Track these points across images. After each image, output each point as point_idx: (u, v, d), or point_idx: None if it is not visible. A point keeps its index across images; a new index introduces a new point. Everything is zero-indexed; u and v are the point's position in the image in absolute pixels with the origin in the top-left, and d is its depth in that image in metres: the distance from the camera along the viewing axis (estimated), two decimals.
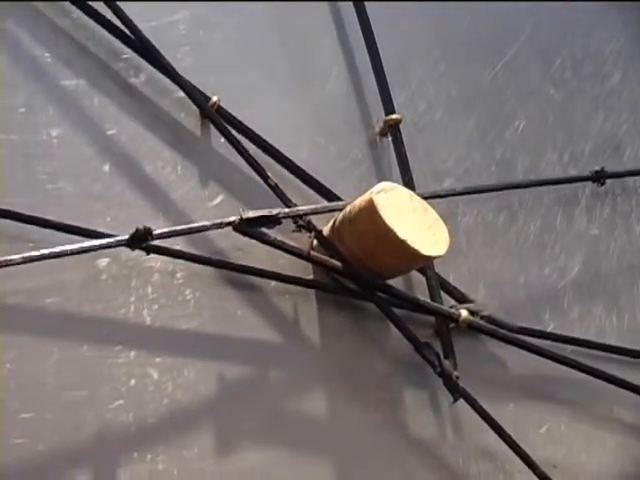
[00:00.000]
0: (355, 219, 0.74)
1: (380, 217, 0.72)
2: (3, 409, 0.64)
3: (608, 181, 0.96)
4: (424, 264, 0.78)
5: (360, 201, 0.74)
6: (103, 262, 0.68)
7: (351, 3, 0.86)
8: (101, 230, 0.69)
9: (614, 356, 0.89)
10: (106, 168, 0.73)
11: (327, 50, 0.87)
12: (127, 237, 0.64)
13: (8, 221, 0.67)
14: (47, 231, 0.67)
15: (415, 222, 0.72)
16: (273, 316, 0.76)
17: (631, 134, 1.00)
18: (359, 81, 0.87)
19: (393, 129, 0.83)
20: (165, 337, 0.71)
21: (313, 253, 0.74)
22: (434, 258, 0.74)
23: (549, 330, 0.87)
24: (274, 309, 0.76)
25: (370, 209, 0.72)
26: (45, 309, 0.66)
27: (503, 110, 0.93)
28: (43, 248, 0.65)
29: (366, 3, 0.86)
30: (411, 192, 0.75)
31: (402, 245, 0.71)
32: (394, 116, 0.83)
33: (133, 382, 0.68)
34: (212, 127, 0.77)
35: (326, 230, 0.77)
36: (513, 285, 0.88)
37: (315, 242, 0.78)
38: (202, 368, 0.72)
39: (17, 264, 0.60)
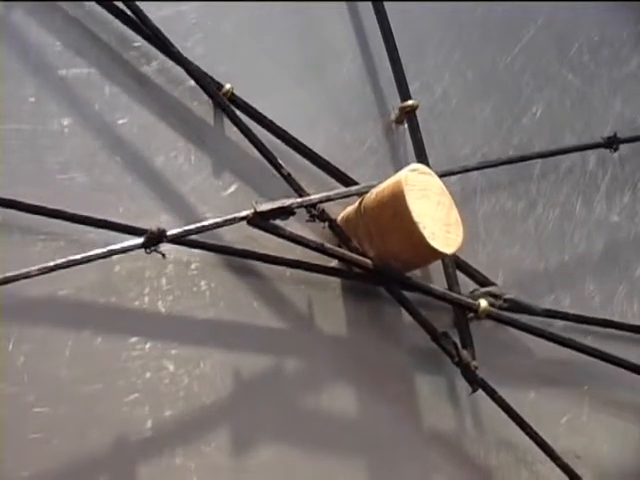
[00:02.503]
0: (383, 191, 0.74)
1: (402, 193, 0.72)
2: (17, 403, 0.64)
3: (628, 168, 0.95)
4: (427, 261, 0.77)
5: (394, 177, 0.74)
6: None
7: None
8: (113, 220, 0.69)
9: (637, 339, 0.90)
10: (118, 158, 0.73)
11: (341, 37, 0.87)
12: (141, 241, 0.64)
13: (19, 212, 0.66)
14: (58, 222, 0.66)
15: (435, 215, 0.72)
16: (289, 306, 0.75)
17: None
18: (374, 68, 0.86)
19: (409, 116, 0.83)
20: (180, 329, 0.71)
21: (328, 246, 0.73)
22: (438, 253, 0.73)
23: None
24: (290, 299, 0.76)
25: (398, 183, 0.72)
26: (58, 301, 0.66)
27: (520, 96, 0.93)
28: (53, 240, 0.66)
29: None
30: (444, 187, 0.74)
31: (412, 227, 0.71)
32: (410, 102, 0.82)
33: (148, 375, 0.68)
34: (225, 116, 0.77)
35: (351, 209, 0.77)
36: (533, 272, 0.88)
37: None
38: (219, 360, 0.71)
39: (34, 276, 0.61)
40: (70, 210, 0.67)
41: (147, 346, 0.69)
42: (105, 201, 0.71)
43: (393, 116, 0.84)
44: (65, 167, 0.70)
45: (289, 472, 0.72)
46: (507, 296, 0.81)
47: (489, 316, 0.77)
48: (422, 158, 0.81)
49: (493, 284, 0.83)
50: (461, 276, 0.82)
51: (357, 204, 0.76)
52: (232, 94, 0.75)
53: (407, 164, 0.79)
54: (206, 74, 0.75)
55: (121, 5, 0.74)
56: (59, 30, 0.73)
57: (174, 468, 0.68)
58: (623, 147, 0.94)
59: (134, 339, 0.69)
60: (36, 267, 0.60)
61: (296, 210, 0.68)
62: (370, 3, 0.85)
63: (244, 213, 0.67)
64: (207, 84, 0.74)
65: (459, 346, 0.77)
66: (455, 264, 0.81)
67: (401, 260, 0.74)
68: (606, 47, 1.00)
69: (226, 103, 0.75)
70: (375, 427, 0.76)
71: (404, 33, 0.85)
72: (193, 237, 0.70)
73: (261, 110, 0.77)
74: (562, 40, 0.99)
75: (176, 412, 0.68)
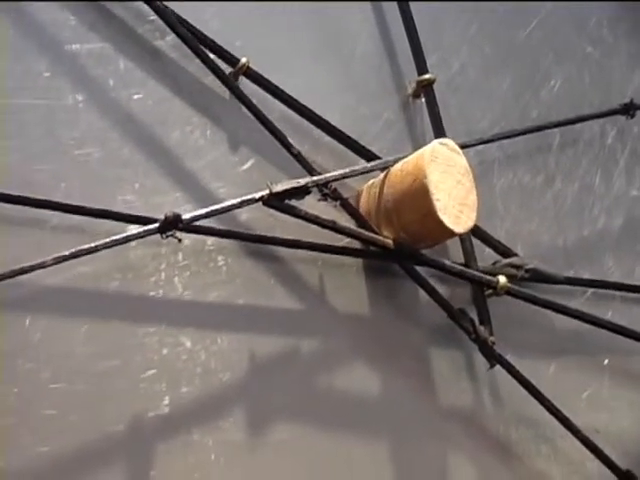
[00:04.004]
0: (409, 162, 0.73)
1: (425, 160, 0.71)
2: (33, 380, 0.65)
3: None
4: (434, 236, 0.75)
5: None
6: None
7: None
8: (129, 197, 0.70)
9: None
10: (133, 133, 0.73)
11: (358, 11, 0.86)
12: (157, 226, 0.64)
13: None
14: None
15: (453, 192, 0.71)
16: (305, 284, 0.76)
17: None
18: (391, 42, 0.86)
19: (426, 90, 0.83)
20: (197, 305, 0.71)
21: (342, 225, 0.73)
22: (445, 229, 0.71)
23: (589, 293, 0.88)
24: (306, 277, 0.76)
25: (424, 151, 0.72)
26: (75, 278, 0.66)
27: (538, 70, 0.93)
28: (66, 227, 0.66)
29: None
30: (469, 169, 0.73)
31: (426, 197, 0.70)
32: (427, 76, 0.82)
33: (165, 351, 0.69)
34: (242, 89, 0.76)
35: (373, 182, 0.78)
36: (552, 247, 0.88)
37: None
38: (236, 336, 0.72)
39: (49, 266, 0.61)
40: (85, 185, 0.69)
41: (164, 322, 0.69)
42: (121, 176, 0.71)
43: (410, 90, 0.84)
44: (80, 142, 0.70)
45: (306, 448, 0.73)
46: (529, 266, 0.82)
47: (508, 292, 0.76)
48: (440, 132, 0.81)
49: (515, 255, 0.83)
50: (483, 247, 0.83)
51: (382, 176, 0.76)
52: (248, 67, 0.75)
53: (424, 139, 0.81)
54: (222, 48, 0.75)
55: None
56: (73, 5, 0.73)
57: (191, 444, 0.68)
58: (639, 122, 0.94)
59: (151, 315, 0.69)
60: (51, 257, 0.60)
61: (311, 189, 0.68)
62: None
63: (259, 194, 0.67)
64: (215, 64, 0.75)
65: (476, 323, 0.77)
66: (477, 236, 0.82)
67: (410, 232, 0.74)
68: (625, 20, 0.99)
69: (233, 82, 0.75)
70: (392, 404, 0.76)
71: (421, 7, 0.85)
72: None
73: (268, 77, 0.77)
74: (580, 13, 0.98)
75: (193, 388, 0.69)
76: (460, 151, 0.73)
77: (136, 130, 0.73)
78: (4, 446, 0.63)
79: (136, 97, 0.73)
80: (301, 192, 0.67)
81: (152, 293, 0.69)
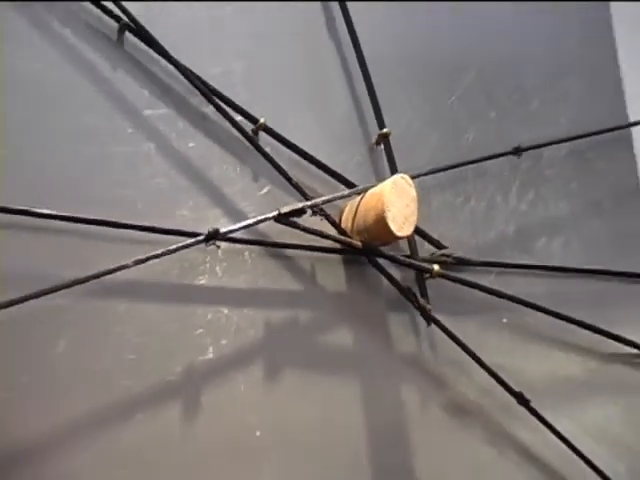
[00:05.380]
0: (377, 187, 0.73)
1: (388, 186, 0.71)
2: (121, 339, 0.66)
3: (529, 175, 0.92)
4: (387, 237, 0.73)
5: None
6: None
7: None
8: (185, 213, 0.71)
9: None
10: (188, 170, 0.73)
11: (339, 83, 0.84)
12: (203, 238, 0.65)
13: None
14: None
15: (401, 210, 0.71)
16: (303, 272, 0.76)
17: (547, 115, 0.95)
18: (360, 104, 0.84)
19: (384, 140, 0.83)
20: (231, 284, 0.72)
21: (329, 233, 0.73)
22: (391, 232, 0.71)
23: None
24: (304, 267, 0.76)
25: (388, 182, 0.72)
26: (149, 272, 0.66)
27: (458, 126, 0.90)
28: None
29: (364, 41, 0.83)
30: (416, 198, 0.72)
31: (383, 208, 0.70)
32: (384, 130, 0.82)
33: (210, 316, 0.70)
34: (261, 140, 0.76)
35: (353, 203, 0.77)
36: (469, 247, 0.86)
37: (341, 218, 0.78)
38: (256, 307, 0.72)
39: (131, 266, 0.61)
40: (150, 206, 0.69)
41: (209, 297, 0.70)
42: (179, 199, 0.72)
43: (374, 139, 0.84)
44: (152, 175, 0.71)
45: (306, 384, 0.73)
46: (454, 255, 0.83)
47: (440, 275, 0.77)
48: (394, 169, 0.81)
49: (446, 247, 0.84)
50: (424, 243, 0.82)
51: (359, 198, 0.76)
52: (265, 125, 0.75)
53: (385, 174, 0.81)
54: (244, 111, 0.75)
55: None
56: (147, 80, 0.73)
57: (228, 380, 0.69)
58: (526, 161, 0.92)
59: (200, 293, 0.70)
60: (132, 260, 0.61)
61: (307, 210, 0.69)
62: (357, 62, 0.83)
63: (272, 214, 0.68)
64: (240, 125, 0.73)
65: (418, 296, 0.78)
66: (420, 235, 0.82)
67: (371, 235, 0.74)
68: (518, 91, 0.96)
69: (254, 138, 0.74)
70: (363, 353, 0.77)
71: (380, 78, 0.83)
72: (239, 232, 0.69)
73: (279, 131, 0.76)
74: (489, 85, 0.94)
75: (229, 342, 0.70)
76: (412, 184, 0.73)
77: (190, 167, 0.73)
78: (103, 381, 0.64)
79: (190, 145, 0.74)
80: (300, 212, 0.69)
81: (201, 277, 0.71)
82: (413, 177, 0.74)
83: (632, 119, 0.99)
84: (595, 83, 0.99)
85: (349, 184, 0.79)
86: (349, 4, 0.83)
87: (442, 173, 0.84)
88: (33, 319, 0.62)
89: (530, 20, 0.98)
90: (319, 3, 0.85)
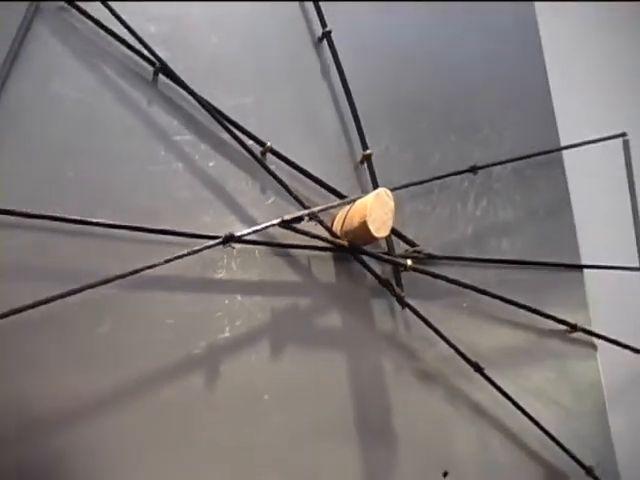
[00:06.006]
0: (364, 198, 0.75)
1: (372, 196, 0.73)
2: (153, 313, 0.66)
3: (482, 188, 0.93)
4: (368, 237, 0.73)
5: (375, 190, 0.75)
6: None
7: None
8: (207, 219, 0.72)
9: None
10: (209, 184, 0.74)
11: (329, 111, 0.84)
12: (220, 240, 0.67)
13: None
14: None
15: (380, 216, 0.72)
16: (302, 266, 0.76)
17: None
18: (348, 129, 0.85)
19: (367, 159, 0.84)
20: (244, 276, 0.73)
21: (321, 235, 0.74)
22: (371, 233, 0.72)
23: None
24: (302, 263, 0.76)
25: (375, 193, 0.74)
26: (176, 268, 0.67)
27: (425, 149, 0.90)
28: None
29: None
30: (394, 209, 0.73)
31: (365, 213, 0.71)
32: (367, 151, 0.83)
33: (227, 301, 0.72)
34: (268, 160, 0.77)
35: (343, 211, 0.77)
36: (435, 245, 0.86)
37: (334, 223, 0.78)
38: (264, 295, 0.74)
39: (160, 265, 0.63)
40: (177, 214, 0.70)
41: (225, 287, 0.72)
42: (202, 207, 0.74)
43: (358, 159, 0.85)
44: (180, 189, 0.73)
45: (305, 356, 0.75)
46: (425, 251, 0.85)
47: (412, 269, 0.80)
48: (375, 184, 0.83)
49: (417, 245, 0.85)
50: (399, 242, 0.84)
51: (348, 207, 0.77)
52: (271, 148, 0.77)
53: (368, 188, 0.83)
54: (253, 136, 0.76)
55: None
56: (176, 112, 0.74)
57: (242, 352, 0.71)
58: (480, 177, 0.92)
59: (219, 283, 0.72)
60: (164, 258, 0.63)
61: (305, 218, 0.71)
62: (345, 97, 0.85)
63: (277, 221, 0.70)
64: (250, 149, 0.75)
65: (395, 285, 0.81)
66: (396, 235, 0.83)
67: (357, 235, 0.75)
68: (472, 119, 0.95)
69: (262, 160, 0.76)
70: (350, 331, 0.79)
71: (364, 109, 0.84)
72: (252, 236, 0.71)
73: (282, 153, 0.78)
74: (450, 115, 0.94)
75: (242, 323, 0.72)
76: (391, 196, 0.75)
77: (211, 182, 0.75)
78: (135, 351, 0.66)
79: (210, 164, 0.76)
80: (299, 219, 0.70)
81: (219, 271, 0.72)
82: (392, 190, 0.76)
83: (563, 143, 1.02)
84: (531, 113, 1.02)
85: (339, 195, 0.81)
86: (337, 46, 0.85)
87: (414, 186, 0.86)
88: (84, 306, 0.64)
89: (478, 58, 1.01)
90: (313, 47, 0.86)
